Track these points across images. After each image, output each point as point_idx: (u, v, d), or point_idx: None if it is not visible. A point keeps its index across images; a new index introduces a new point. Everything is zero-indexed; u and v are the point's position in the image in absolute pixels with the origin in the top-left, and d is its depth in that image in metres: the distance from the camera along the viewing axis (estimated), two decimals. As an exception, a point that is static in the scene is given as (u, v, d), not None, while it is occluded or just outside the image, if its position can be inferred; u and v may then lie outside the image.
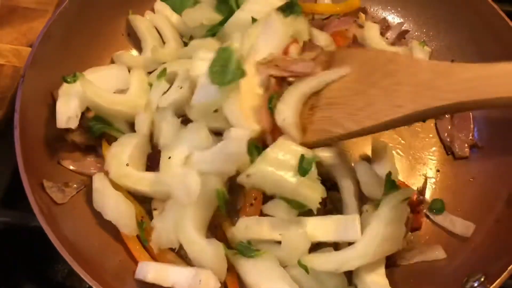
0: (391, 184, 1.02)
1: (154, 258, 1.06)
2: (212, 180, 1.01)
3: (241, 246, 1.01)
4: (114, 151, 1.12)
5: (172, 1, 1.38)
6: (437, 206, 1.16)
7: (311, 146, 0.98)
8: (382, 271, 1.01)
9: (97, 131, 1.16)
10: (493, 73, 0.78)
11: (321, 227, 1.00)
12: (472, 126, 1.27)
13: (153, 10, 1.39)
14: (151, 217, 1.10)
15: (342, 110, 0.94)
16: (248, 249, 1.00)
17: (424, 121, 1.22)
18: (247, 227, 1.02)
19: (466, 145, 1.24)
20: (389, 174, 1.03)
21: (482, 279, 0.98)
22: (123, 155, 1.11)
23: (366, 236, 0.97)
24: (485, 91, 0.77)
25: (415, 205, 1.13)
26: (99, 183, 1.07)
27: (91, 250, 1.04)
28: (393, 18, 1.43)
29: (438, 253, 1.10)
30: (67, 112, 1.10)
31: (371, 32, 1.34)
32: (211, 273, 0.98)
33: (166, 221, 1.03)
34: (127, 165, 1.10)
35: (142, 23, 1.34)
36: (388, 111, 0.86)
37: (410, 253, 1.10)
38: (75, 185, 1.12)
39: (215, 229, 1.08)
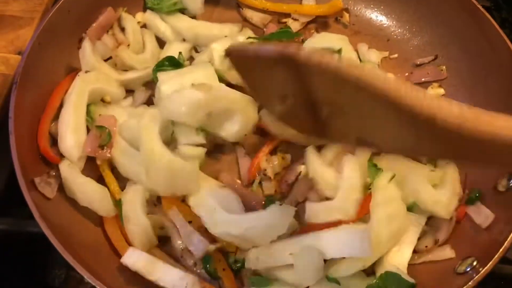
0: (374, 169, 1.05)
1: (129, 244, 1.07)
2: None
3: (252, 279, 1.04)
4: None
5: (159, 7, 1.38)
6: (474, 195, 1.15)
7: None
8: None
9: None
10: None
11: (333, 243, 1.00)
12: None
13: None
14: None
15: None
16: (261, 280, 1.03)
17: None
18: (258, 258, 1.03)
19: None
20: (370, 159, 1.07)
21: (474, 263, 1.02)
22: None
23: (373, 225, 0.99)
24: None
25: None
26: (67, 171, 1.08)
27: (87, 243, 1.05)
28: (377, 16, 1.47)
29: (447, 253, 1.09)
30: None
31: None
32: (197, 279, 1.00)
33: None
34: None
35: (130, 23, 1.36)
36: None
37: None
38: (54, 173, 1.11)
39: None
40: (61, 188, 1.10)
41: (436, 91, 1.33)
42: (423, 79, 1.38)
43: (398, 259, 1.06)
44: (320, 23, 1.47)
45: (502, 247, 0.98)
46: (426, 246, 1.10)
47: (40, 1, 1.46)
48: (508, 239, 0.99)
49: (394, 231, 1.01)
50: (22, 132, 1.07)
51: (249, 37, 1.34)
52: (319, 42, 1.30)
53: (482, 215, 1.11)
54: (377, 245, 0.98)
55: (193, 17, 1.41)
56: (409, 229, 1.08)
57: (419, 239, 1.09)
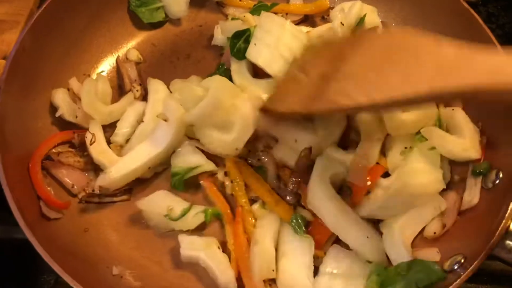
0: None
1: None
2: None
3: None
4: None
5: (141, 11, 1.39)
6: (483, 169, 1.14)
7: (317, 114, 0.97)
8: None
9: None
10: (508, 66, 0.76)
11: None
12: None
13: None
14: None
15: (355, 83, 0.92)
16: None
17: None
18: None
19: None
20: None
21: (462, 261, 1.02)
22: None
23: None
24: (497, 84, 0.74)
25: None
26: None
27: (74, 251, 1.06)
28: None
29: (433, 255, 1.08)
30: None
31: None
32: None
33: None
34: None
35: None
36: (402, 87, 0.83)
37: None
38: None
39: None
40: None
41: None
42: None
43: (406, 231, 1.08)
44: (307, 22, 1.47)
45: (489, 245, 0.99)
46: (435, 233, 1.11)
47: (25, 4, 1.45)
48: (495, 237, 0.99)
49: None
50: (8, 139, 1.08)
51: (233, 18, 1.32)
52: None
53: (472, 193, 1.13)
54: None
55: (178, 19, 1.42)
56: (426, 207, 1.11)
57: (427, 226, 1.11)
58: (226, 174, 1.16)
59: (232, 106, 1.12)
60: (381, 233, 1.09)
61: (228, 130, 1.12)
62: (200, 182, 1.19)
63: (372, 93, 0.87)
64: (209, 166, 1.17)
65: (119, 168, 1.14)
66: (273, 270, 1.04)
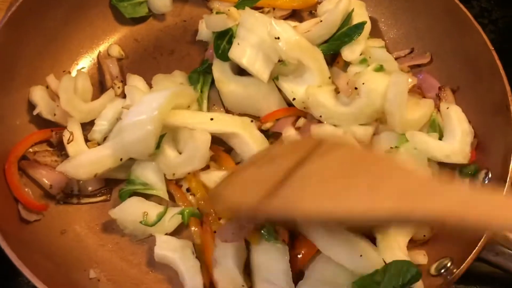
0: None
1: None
2: None
3: None
4: None
5: (123, 6, 1.36)
6: (471, 171, 1.13)
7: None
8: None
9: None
10: (474, 200, 0.73)
11: None
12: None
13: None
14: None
15: (310, 188, 0.85)
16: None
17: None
18: None
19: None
20: None
21: (449, 264, 1.00)
22: None
23: None
24: (465, 216, 0.71)
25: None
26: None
27: (57, 263, 1.03)
28: (352, 10, 1.43)
29: (420, 258, 1.06)
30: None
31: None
32: None
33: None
34: None
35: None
36: (364, 204, 0.78)
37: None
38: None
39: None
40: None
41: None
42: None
43: (400, 233, 1.06)
44: (295, 17, 1.43)
45: (476, 248, 0.96)
46: (424, 235, 1.09)
47: (2, -2, 1.42)
48: (482, 240, 0.97)
49: None
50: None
51: (217, 12, 1.29)
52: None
53: None
54: None
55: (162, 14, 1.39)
56: None
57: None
58: (188, 190, 1.12)
59: (190, 136, 1.09)
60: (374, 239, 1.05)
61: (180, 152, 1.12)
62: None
63: (323, 202, 0.81)
64: (161, 192, 1.12)
65: (83, 155, 1.11)
66: (242, 286, 1.01)
